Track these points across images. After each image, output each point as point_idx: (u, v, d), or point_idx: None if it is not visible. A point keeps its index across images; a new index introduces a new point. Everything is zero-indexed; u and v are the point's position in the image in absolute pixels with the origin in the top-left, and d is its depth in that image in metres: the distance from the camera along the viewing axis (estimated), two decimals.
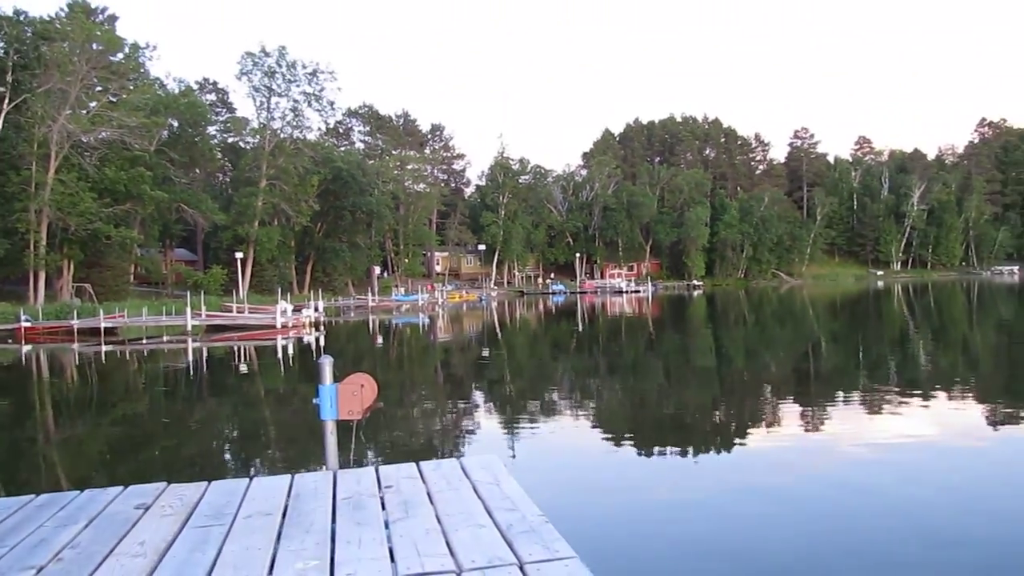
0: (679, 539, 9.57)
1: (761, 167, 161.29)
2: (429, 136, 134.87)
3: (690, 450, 14.67)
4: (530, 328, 54.07)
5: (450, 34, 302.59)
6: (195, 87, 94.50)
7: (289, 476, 7.24)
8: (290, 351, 38.59)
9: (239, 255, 74.75)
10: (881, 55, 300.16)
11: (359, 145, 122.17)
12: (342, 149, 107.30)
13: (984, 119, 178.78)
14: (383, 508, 6.22)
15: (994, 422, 16.68)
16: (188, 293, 55.41)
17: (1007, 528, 9.62)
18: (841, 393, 21.13)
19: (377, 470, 7.46)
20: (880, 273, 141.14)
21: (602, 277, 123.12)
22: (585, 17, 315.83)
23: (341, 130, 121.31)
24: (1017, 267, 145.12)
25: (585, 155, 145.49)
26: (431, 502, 6.32)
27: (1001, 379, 23.91)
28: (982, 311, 57.22)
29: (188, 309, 48.35)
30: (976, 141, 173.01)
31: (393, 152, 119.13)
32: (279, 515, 6.05)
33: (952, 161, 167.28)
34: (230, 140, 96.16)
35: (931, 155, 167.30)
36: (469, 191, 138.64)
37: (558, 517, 9.35)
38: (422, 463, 7.64)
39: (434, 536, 5.47)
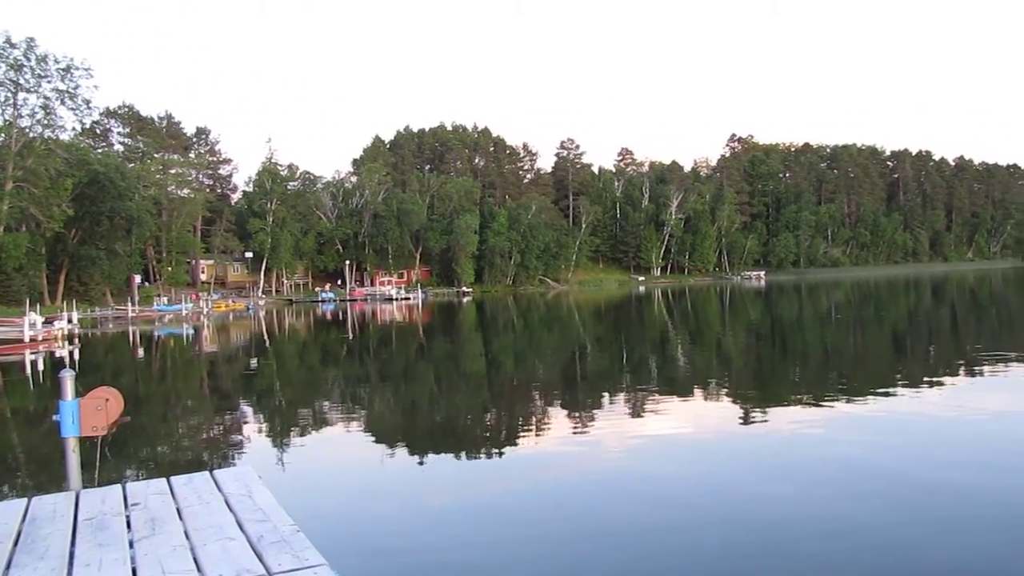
0: (437, 545, 9.63)
1: (529, 176, 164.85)
2: (194, 139, 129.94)
3: (461, 455, 14.83)
4: (299, 337, 53.15)
5: (215, 33, 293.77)
6: None
7: (25, 500, 6.81)
8: (40, 366, 36.28)
9: None
10: (640, 71, 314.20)
11: (118, 147, 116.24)
12: (99, 151, 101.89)
13: (734, 135, 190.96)
14: (128, 527, 5.98)
15: (744, 416, 17.74)
16: None
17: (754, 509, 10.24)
18: (605, 393, 21.95)
19: (124, 488, 7.15)
20: (642, 279, 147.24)
21: (372, 284, 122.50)
22: (355, 22, 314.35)
23: (98, 131, 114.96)
24: (763, 272, 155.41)
25: (355, 162, 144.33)
26: (180, 517, 6.14)
27: (749, 375, 25.48)
28: (733, 313, 60.82)
29: None
30: (727, 155, 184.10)
31: (155, 155, 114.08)
32: (11, 542, 5.69)
33: (706, 173, 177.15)
34: None
35: (687, 167, 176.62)
36: (236, 197, 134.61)
37: (318, 526, 9.24)
38: (173, 478, 7.38)
39: (181, 552, 5.31)
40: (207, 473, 7.54)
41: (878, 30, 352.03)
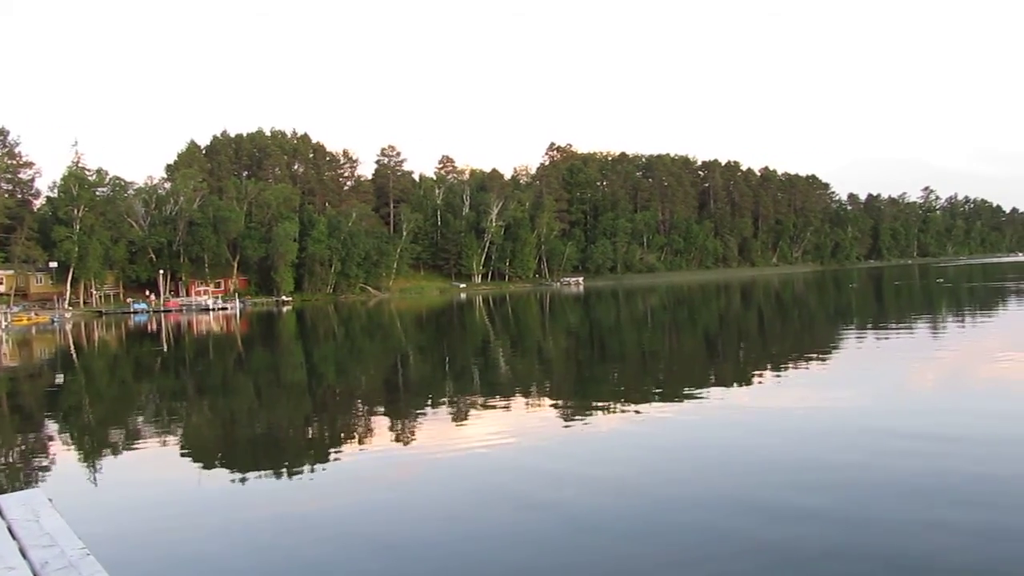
0: (248, 564, 9.51)
1: (349, 183, 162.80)
2: None
3: (280, 469, 14.67)
4: (109, 351, 51.11)
5: (15, 28, 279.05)
6: None
7: None
8: None
9: None
10: (461, 79, 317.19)
11: None
12: None
13: (553, 143, 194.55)
14: None
15: (565, 419, 18.17)
16: None
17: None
18: (427, 402, 22.11)
19: None
20: (463, 286, 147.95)
21: (188, 294, 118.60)
22: (168, 20, 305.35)
23: None
24: (582, 278, 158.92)
25: (169, 167, 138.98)
26: None
27: (568, 379, 26.12)
28: (552, 319, 62.04)
29: None
30: (546, 163, 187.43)
31: None
32: None
33: (526, 181, 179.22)
34: None
35: (508, 175, 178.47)
36: (39, 203, 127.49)
37: (116, 549, 8.99)
38: None
39: None
40: None
41: (687, 45, 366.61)
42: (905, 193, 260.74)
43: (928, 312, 48.25)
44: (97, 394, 29.07)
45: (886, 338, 33.46)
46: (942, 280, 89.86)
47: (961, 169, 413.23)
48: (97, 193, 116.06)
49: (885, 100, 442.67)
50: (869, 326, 40.78)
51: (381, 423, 19.39)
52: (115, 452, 17.07)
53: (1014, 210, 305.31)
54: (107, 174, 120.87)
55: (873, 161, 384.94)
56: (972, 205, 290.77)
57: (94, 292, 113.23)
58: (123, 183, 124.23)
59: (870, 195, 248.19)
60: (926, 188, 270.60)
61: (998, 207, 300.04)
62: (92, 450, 17.36)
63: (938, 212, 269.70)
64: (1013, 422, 15.38)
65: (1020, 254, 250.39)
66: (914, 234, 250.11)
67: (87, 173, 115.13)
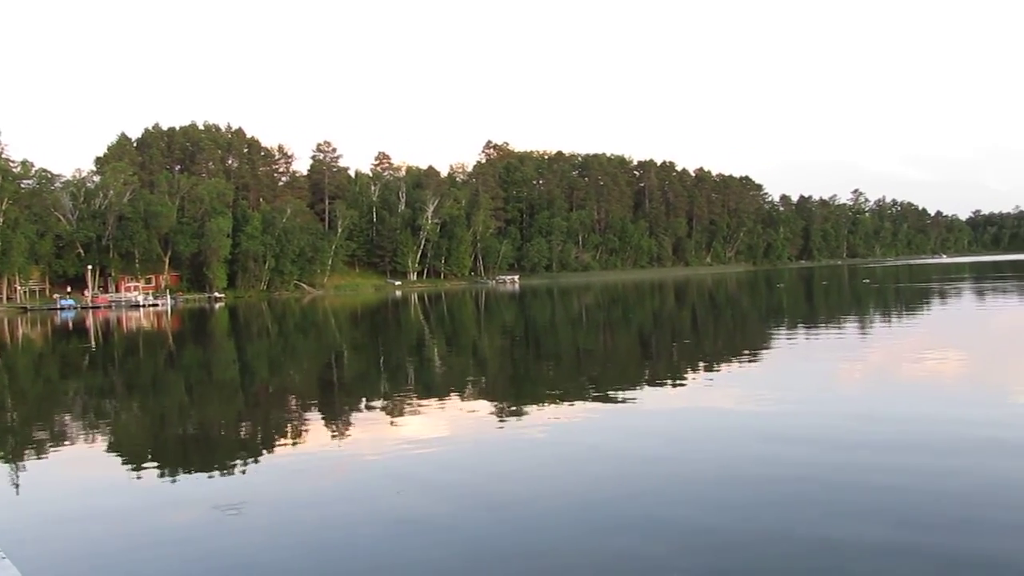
0: (179, 567, 9.43)
1: (284, 179, 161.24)
2: None
3: (212, 468, 14.55)
4: (34, 348, 50.09)
5: None
6: None
7: None
8: None
9: None
10: (397, 75, 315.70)
11: None
12: None
13: (490, 141, 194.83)
14: None
15: (498, 418, 18.25)
16: None
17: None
18: (363, 400, 22.07)
19: None
20: (398, 283, 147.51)
21: (118, 290, 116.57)
22: (99, 6, 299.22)
23: None
24: (517, 276, 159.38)
25: (99, 160, 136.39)
26: None
27: (503, 377, 26.24)
28: (488, 317, 62.11)
29: None
30: (483, 161, 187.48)
31: None
32: None
33: (462, 179, 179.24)
34: None
35: (444, 172, 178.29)
36: None
37: (38, 553, 8.86)
38: None
39: None
40: None
41: (623, 44, 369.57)
42: (836, 195, 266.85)
43: (853, 312, 49.12)
44: (20, 393, 28.50)
45: (814, 338, 34.09)
46: (869, 281, 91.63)
47: (890, 173, 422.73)
48: (22, 185, 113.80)
49: (817, 103, 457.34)
50: (798, 326, 41.50)
51: (314, 421, 19.32)
52: (38, 453, 16.71)
53: (938, 213, 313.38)
54: (33, 166, 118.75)
55: (805, 163, 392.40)
56: (899, 208, 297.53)
57: (18, 288, 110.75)
58: (50, 175, 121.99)
59: (802, 196, 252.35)
60: (856, 191, 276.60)
61: (923, 210, 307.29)
62: (13, 451, 17.01)
63: (867, 214, 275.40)
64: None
65: (943, 255, 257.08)
66: (844, 235, 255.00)
67: (11, 164, 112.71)
